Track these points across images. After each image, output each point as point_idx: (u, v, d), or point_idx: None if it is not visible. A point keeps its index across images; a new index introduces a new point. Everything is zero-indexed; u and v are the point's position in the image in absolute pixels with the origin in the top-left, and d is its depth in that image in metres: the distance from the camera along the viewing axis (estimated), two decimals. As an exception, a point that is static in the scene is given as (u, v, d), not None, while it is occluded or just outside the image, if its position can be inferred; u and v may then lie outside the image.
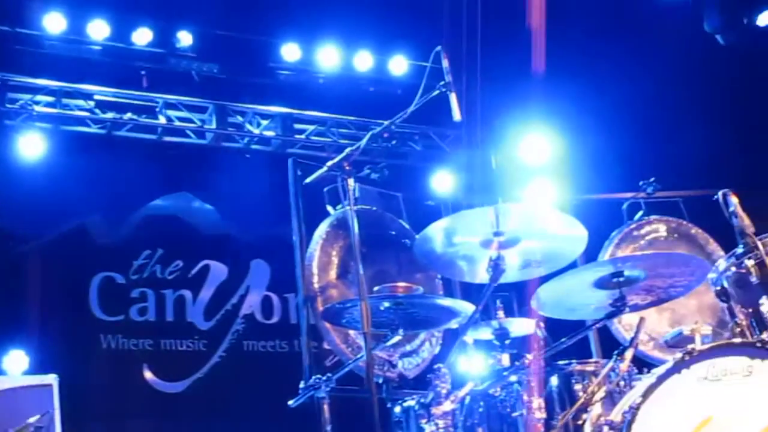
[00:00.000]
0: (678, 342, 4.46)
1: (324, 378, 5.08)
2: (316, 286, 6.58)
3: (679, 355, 4.09)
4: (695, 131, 7.67)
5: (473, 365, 5.70)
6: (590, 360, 4.73)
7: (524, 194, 8.19)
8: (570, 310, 4.73)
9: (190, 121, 8.82)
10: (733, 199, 4.53)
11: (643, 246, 6.35)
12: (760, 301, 4.41)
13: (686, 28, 8.52)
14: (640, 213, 6.58)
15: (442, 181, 9.21)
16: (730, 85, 7.95)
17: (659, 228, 6.47)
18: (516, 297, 6.37)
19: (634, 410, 3.97)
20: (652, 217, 6.48)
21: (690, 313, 6.17)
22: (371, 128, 5.17)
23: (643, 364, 4.68)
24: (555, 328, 4.94)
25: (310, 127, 9.28)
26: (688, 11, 8.52)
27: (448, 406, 4.43)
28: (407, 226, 7.20)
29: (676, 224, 6.47)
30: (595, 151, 7.66)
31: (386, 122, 5.07)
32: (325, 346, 7.21)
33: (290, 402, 5.26)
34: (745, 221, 4.47)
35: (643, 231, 6.43)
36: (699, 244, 6.41)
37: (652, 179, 6.62)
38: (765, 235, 4.54)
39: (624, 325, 6.35)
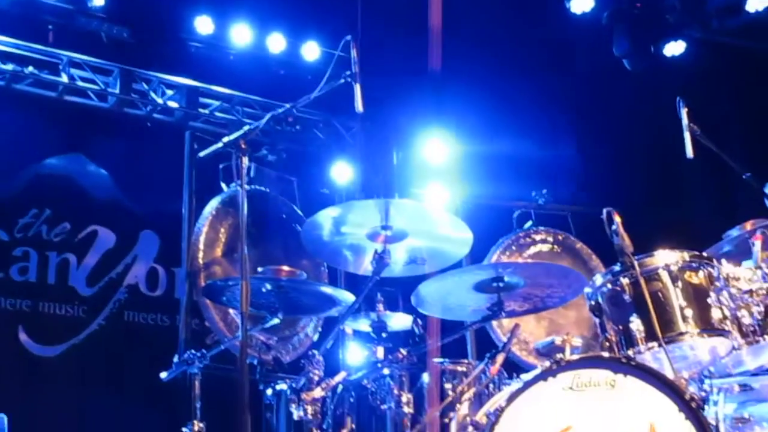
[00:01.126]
0: (549, 351, 4.55)
1: (198, 354, 5.05)
2: (200, 261, 6.53)
3: (547, 363, 4.19)
4: (591, 149, 7.85)
5: (350, 355, 5.74)
6: (463, 360, 4.80)
7: (420, 193, 8.26)
8: (448, 310, 4.80)
9: (94, 82, 8.63)
10: (617, 218, 4.65)
11: (528, 255, 6.47)
12: (631, 319, 4.55)
13: (594, 47, 8.70)
14: (530, 223, 6.71)
15: (342, 172, 9.21)
16: (630, 110, 8.15)
17: (546, 239, 6.60)
18: (401, 293, 6.42)
19: (498, 413, 4.05)
20: (541, 228, 6.61)
21: (568, 324, 6.32)
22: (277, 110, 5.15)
23: (518, 369, 4.78)
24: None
25: (215, 103, 9.17)
26: (599, 31, 8.70)
27: (318, 392, 4.44)
28: (299, 212, 7.20)
29: (563, 237, 6.61)
30: (492, 159, 7.76)
31: (288, 105, 5.06)
32: (207, 323, 7.17)
33: (162, 375, 5.22)
34: (625, 240, 4.60)
35: (529, 240, 6.56)
36: (582, 259, 6.57)
37: (544, 191, 6.76)
38: (642, 256, 4.69)
39: (503, 330, 6.47)
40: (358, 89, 4.80)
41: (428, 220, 4.68)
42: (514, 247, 6.50)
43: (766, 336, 4.72)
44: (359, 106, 4.81)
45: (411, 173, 8.77)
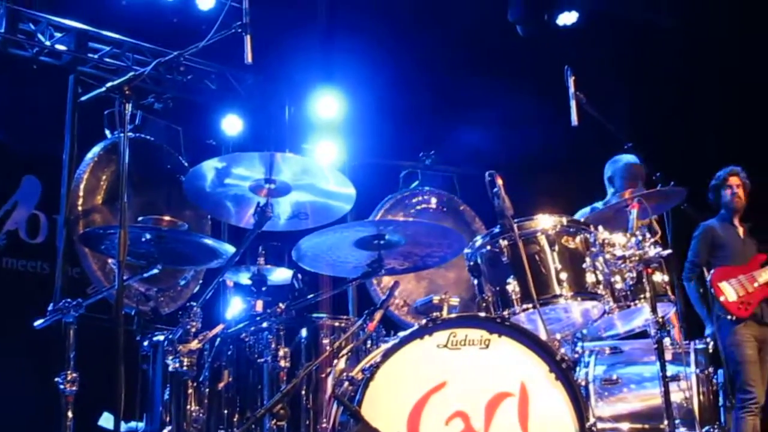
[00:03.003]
0: (427, 309, 4.59)
1: (74, 303, 4.95)
2: (80, 208, 6.38)
3: (423, 321, 4.23)
4: (479, 112, 7.92)
5: (230, 308, 5.72)
6: (342, 316, 4.83)
7: (311, 149, 8.23)
8: (330, 266, 4.81)
9: (-23, 20, 8.33)
10: (499, 181, 4.70)
11: (413, 214, 6.50)
12: (508, 281, 4.62)
13: (489, 12, 8.75)
14: (416, 183, 6.74)
15: (232, 124, 9.08)
16: (518, 75, 8.23)
17: (431, 199, 6.64)
18: (289, 248, 6.40)
19: (373, 369, 4.08)
20: (426, 188, 6.64)
21: (447, 284, 6.38)
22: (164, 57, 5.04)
23: (397, 328, 4.82)
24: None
25: (105, 48, 8.93)
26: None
27: (194, 344, 4.40)
28: (185, 163, 7.09)
29: (448, 198, 6.65)
30: (382, 118, 7.77)
31: (175, 53, 4.96)
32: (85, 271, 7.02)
33: (36, 323, 5.10)
34: (505, 203, 4.66)
35: (415, 200, 6.58)
36: (466, 221, 6.63)
37: (432, 152, 6.79)
38: (522, 219, 4.76)
39: (382, 288, 6.50)
40: (248, 40, 4.73)
41: (313, 175, 4.65)
42: (399, 206, 6.51)
43: (637, 301, 4.86)
44: (249, 57, 4.74)
45: (302, 129, 8.72)
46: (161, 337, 4.83)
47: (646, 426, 4.87)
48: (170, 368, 4.41)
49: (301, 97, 8.89)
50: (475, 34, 8.26)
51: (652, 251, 4.77)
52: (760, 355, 6.79)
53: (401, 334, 4.27)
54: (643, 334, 5.36)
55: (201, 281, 6.93)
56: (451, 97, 8.00)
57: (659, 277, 4.99)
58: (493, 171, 4.72)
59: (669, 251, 4.91)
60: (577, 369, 5.09)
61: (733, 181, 7.13)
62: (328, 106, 8.61)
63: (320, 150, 8.32)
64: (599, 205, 5.97)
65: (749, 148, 8.32)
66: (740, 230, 7.13)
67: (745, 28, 8.53)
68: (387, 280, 6.17)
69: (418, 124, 7.68)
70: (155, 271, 4.82)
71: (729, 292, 6.80)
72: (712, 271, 6.87)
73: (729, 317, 6.75)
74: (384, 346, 4.23)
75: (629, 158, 6.04)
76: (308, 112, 8.79)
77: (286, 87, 9.00)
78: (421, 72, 7.95)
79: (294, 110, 8.89)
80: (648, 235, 4.86)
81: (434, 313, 4.30)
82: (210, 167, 4.51)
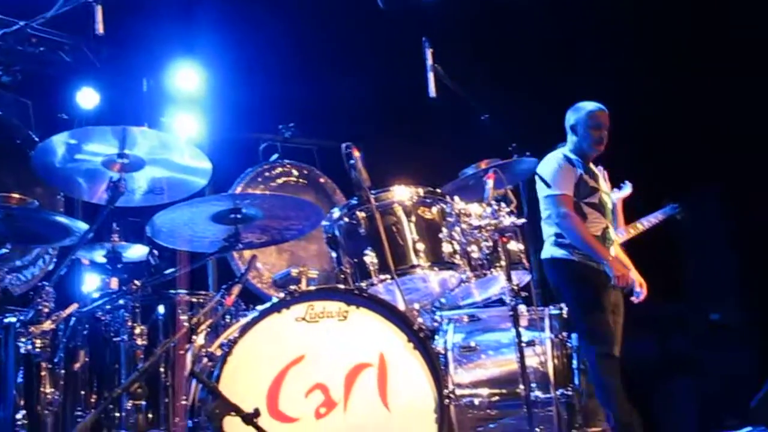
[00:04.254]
0: (286, 282, 4.57)
1: None
2: None
3: (281, 294, 4.22)
4: (337, 84, 7.90)
5: (85, 286, 5.58)
6: (200, 292, 4.77)
7: (169, 122, 8.06)
8: (186, 241, 4.70)
9: None
10: (355, 153, 4.72)
11: (273, 188, 6.46)
12: (365, 252, 4.64)
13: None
14: (276, 156, 6.69)
15: (88, 97, 8.82)
16: (378, 47, 8.23)
17: (291, 172, 6.61)
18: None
19: (230, 344, 4.06)
20: (286, 161, 6.60)
21: (309, 256, 6.38)
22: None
23: (259, 301, 4.78)
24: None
25: (-53, 19, 8.56)
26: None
27: (47, 325, 4.28)
28: (36, 138, 6.86)
29: (308, 171, 6.63)
30: (240, 90, 7.66)
31: (22, 23, 4.80)
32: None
33: None
34: (362, 175, 4.68)
35: (275, 173, 6.54)
36: (326, 193, 6.62)
37: (291, 124, 6.75)
38: (379, 190, 4.78)
39: (243, 262, 6.45)
40: (99, 11, 4.61)
41: (167, 149, 4.55)
42: (259, 179, 6.45)
43: (493, 270, 4.96)
44: (99, 28, 4.63)
45: (161, 102, 8.52)
46: (13, 319, 4.66)
47: (504, 391, 4.98)
48: (22, 350, 4.28)
49: (160, 70, 8.69)
50: (335, 7, 8.21)
51: (507, 220, 4.87)
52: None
53: (258, 308, 4.24)
54: (501, 301, 5.46)
55: (55, 260, 6.73)
56: (311, 69, 7.95)
57: (514, 246, 5.10)
58: (350, 143, 4.73)
59: (523, 220, 5.02)
60: (436, 338, 5.16)
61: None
62: (187, 78, 8.44)
63: (180, 123, 8.15)
64: (566, 150, 6.05)
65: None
66: None
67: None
68: (248, 254, 6.12)
69: (278, 97, 7.62)
70: (4, 250, 4.65)
71: None
72: None
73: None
74: (241, 321, 4.20)
75: (592, 105, 6.10)
76: (167, 85, 8.60)
77: (144, 59, 8.78)
78: (281, 45, 7.87)
79: (152, 83, 8.68)
80: (503, 205, 4.95)
81: (292, 286, 4.29)
82: (60, 142, 4.36)
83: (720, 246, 9.73)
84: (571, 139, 6.10)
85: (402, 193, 4.78)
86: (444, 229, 4.79)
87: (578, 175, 5.94)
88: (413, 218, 4.74)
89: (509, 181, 5.27)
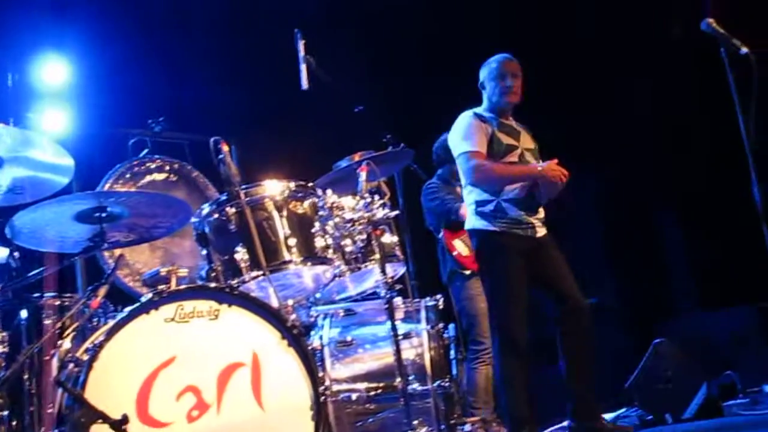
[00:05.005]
0: (155, 281, 4.44)
1: None
2: None
3: (149, 295, 4.11)
4: (209, 77, 7.77)
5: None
6: (66, 294, 4.60)
7: (36, 118, 7.78)
8: (50, 242, 4.53)
9: None
10: (224, 148, 4.62)
11: (143, 184, 6.26)
12: (236, 249, 4.55)
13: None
14: (146, 151, 6.51)
15: (-53, 94, 8.48)
16: (250, 40, 8.13)
17: (162, 168, 6.42)
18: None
19: (96, 348, 3.92)
20: (156, 156, 6.43)
21: (183, 254, 6.21)
22: None
23: (132, 300, 4.62)
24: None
25: None
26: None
27: None
28: None
29: (179, 166, 6.46)
30: (109, 85, 7.44)
31: None
32: None
33: None
34: (232, 170, 4.59)
35: (145, 169, 6.35)
36: (199, 189, 6.45)
37: (161, 118, 6.57)
38: (249, 186, 4.69)
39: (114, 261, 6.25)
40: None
41: (29, 146, 4.40)
42: (128, 176, 6.24)
43: (367, 263, 4.92)
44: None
45: (27, 97, 8.23)
46: None
47: (381, 384, 4.94)
48: None
49: (25, 64, 8.39)
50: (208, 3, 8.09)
51: (381, 213, 4.83)
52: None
53: (126, 309, 4.11)
54: (377, 295, 5.42)
55: None
56: (182, 62, 7.79)
57: (388, 239, 5.06)
58: (219, 137, 4.63)
59: (396, 212, 5.00)
60: (312, 333, 5.09)
61: None
62: (55, 72, 8.17)
63: (47, 119, 7.89)
64: (478, 109, 5.68)
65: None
66: (458, 189, 7.32)
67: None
68: (119, 252, 5.94)
69: (149, 91, 7.42)
70: None
71: (461, 247, 6.99)
72: (442, 230, 7.04)
73: (463, 271, 6.94)
74: (108, 324, 4.06)
75: (497, 56, 5.71)
76: (34, 80, 8.31)
77: (9, 53, 8.47)
78: (152, 38, 7.69)
79: (18, 77, 8.37)
80: (377, 197, 4.91)
81: (160, 286, 4.18)
82: None
83: (594, 230, 9.95)
84: (484, 96, 5.74)
85: (273, 188, 4.70)
86: (316, 224, 4.72)
87: (490, 132, 5.55)
88: (285, 213, 4.66)
89: (383, 173, 5.25)
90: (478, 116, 5.60)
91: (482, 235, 5.52)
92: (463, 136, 5.56)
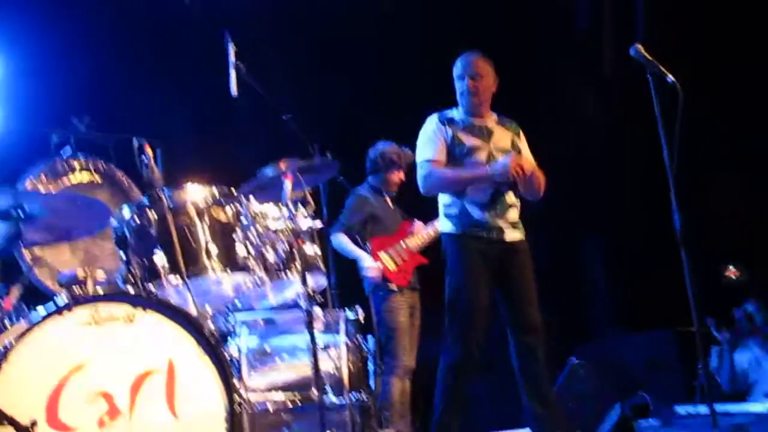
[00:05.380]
0: (72, 283, 4.36)
1: None
2: None
3: (63, 297, 4.03)
4: (137, 77, 7.68)
5: None
6: (-24, 296, 4.49)
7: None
8: (-37, 240, 4.44)
9: None
10: (148, 150, 4.56)
11: (65, 183, 6.15)
12: (155, 252, 4.49)
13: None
14: (69, 150, 6.39)
15: None
16: (183, 42, 8.06)
17: (86, 167, 6.32)
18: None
19: (5, 351, 3.83)
20: (80, 155, 6.32)
21: (104, 256, 6.11)
22: None
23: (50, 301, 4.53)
24: None
25: None
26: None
27: None
28: None
29: (103, 166, 6.36)
30: (34, 81, 7.29)
31: None
32: None
33: None
34: (154, 173, 4.54)
35: (67, 168, 6.24)
36: (123, 190, 6.36)
37: (86, 117, 6.47)
38: (172, 189, 4.64)
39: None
40: None
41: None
42: (49, 175, 6.14)
43: (288, 272, 4.88)
44: None
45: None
46: None
47: (298, 395, 4.92)
48: None
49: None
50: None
51: (304, 223, 4.81)
52: (411, 320, 7.08)
53: (39, 311, 4.02)
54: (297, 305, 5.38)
55: None
56: (111, 61, 7.67)
57: (311, 249, 5.04)
58: (143, 139, 4.57)
59: (319, 223, 4.98)
60: (230, 341, 5.04)
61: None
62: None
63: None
64: (453, 110, 5.68)
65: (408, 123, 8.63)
66: (388, 199, 7.33)
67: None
68: (38, 251, 5.84)
69: (75, 89, 7.29)
70: None
71: (388, 262, 6.99)
72: (368, 243, 7.03)
73: (390, 285, 6.94)
74: (19, 327, 3.97)
75: (464, 56, 5.68)
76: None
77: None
78: (82, 36, 7.56)
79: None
80: (301, 207, 4.89)
81: (74, 289, 4.10)
82: None
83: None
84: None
85: (195, 193, 4.65)
86: (238, 231, 4.68)
87: (450, 134, 5.53)
88: (206, 219, 4.61)
89: (308, 183, 5.22)
90: (441, 119, 5.60)
91: (446, 238, 5.54)
92: (421, 143, 5.60)
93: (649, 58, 5.09)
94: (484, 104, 5.67)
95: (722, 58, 8.84)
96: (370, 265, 6.84)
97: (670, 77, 5.03)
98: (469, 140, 5.53)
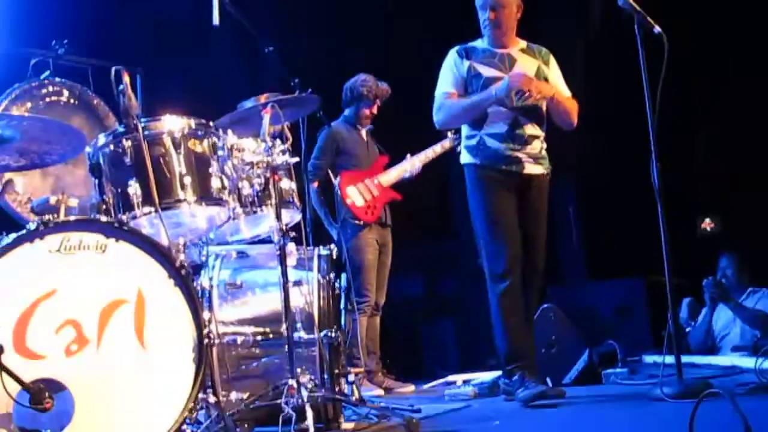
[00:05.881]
0: (43, 210, 4.34)
1: None
2: None
3: (33, 224, 3.99)
4: (117, 5, 7.58)
5: None
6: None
7: None
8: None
9: None
10: (125, 78, 4.49)
11: (41, 106, 6.05)
12: (129, 183, 4.44)
13: None
14: (47, 73, 6.31)
15: None
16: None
17: (62, 92, 6.22)
18: None
19: (-25, 277, 3.80)
20: (57, 79, 6.24)
21: (76, 183, 6.04)
22: None
23: (18, 227, 4.49)
24: None
25: None
26: None
27: None
28: None
29: (80, 91, 6.27)
30: (12, 2, 7.17)
31: None
32: None
33: None
34: (131, 101, 4.45)
35: (44, 91, 6.12)
36: (98, 116, 6.28)
37: (65, 41, 6.37)
38: (148, 119, 4.58)
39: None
40: None
41: None
42: (26, 97, 6.05)
43: (263, 207, 4.86)
44: None
45: None
46: None
47: (268, 330, 4.91)
48: None
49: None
50: None
51: (281, 158, 4.78)
52: (381, 257, 7.08)
53: (8, 237, 3.98)
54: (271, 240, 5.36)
55: None
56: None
57: (287, 185, 5.02)
58: (121, 67, 4.49)
59: (296, 159, 4.95)
60: (202, 273, 5.03)
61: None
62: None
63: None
64: (477, 44, 5.64)
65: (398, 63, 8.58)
66: (363, 133, 7.30)
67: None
68: (8, 176, 5.78)
69: (55, 11, 7.17)
70: None
71: (356, 196, 6.97)
72: (338, 176, 7.00)
73: (356, 221, 6.95)
74: (-11, 252, 3.93)
75: None
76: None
77: None
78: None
79: None
80: (278, 142, 4.86)
81: (47, 216, 4.06)
82: None
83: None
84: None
85: (172, 124, 4.59)
86: (214, 164, 4.64)
87: (466, 66, 5.51)
88: (182, 150, 4.55)
89: (288, 117, 5.19)
90: (460, 51, 5.57)
91: (467, 169, 5.55)
92: (439, 77, 5.59)
93: (637, 8, 5.06)
94: (508, 33, 5.60)
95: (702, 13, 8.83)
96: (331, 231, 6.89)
97: (657, 28, 5.02)
98: (487, 71, 5.49)
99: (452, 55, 5.59)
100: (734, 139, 9.37)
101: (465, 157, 5.61)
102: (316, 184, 7.03)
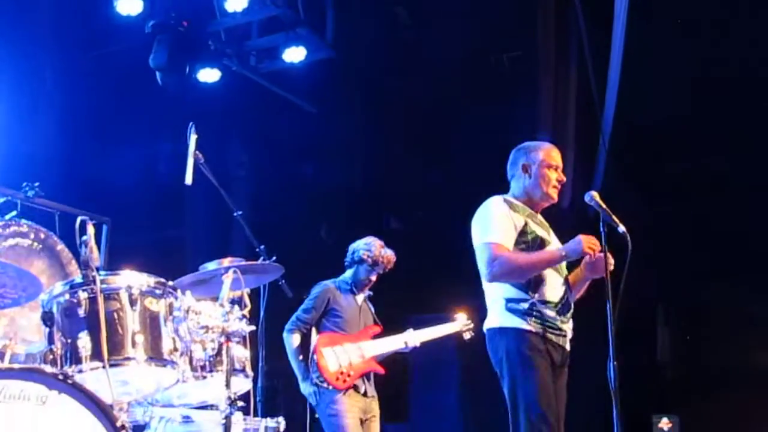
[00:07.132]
0: (-13, 354, 4.24)
1: None
2: None
3: (-26, 369, 3.89)
4: (99, 153, 7.67)
5: None
6: None
7: None
8: None
9: None
10: (89, 229, 4.47)
11: (3, 247, 6.04)
12: (80, 335, 4.36)
13: (134, 53, 8.57)
14: (14, 213, 6.29)
15: None
16: (153, 122, 8.08)
17: (28, 234, 6.19)
18: None
19: None
20: (23, 221, 6.22)
21: (30, 326, 5.90)
22: None
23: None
24: None
25: None
26: (142, 38, 8.59)
27: None
28: None
29: (45, 236, 6.24)
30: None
31: None
32: None
33: None
34: (93, 253, 4.42)
35: (8, 231, 6.11)
36: (61, 263, 6.22)
37: (36, 184, 6.39)
38: (108, 273, 4.55)
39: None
40: None
41: None
42: (-13, 236, 6.02)
43: (214, 373, 4.78)
44: None
45: None
46: None
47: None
48: None
49: None
50: (112, 74, 8.02)
51: (236, 325, 4.73)
52: (367, 423, 6.67)
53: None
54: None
55: None
56: (71, 131, 7.67)
57: (240, 352, 4.96)
58: (86, 218, 4.48)
59: (252, 327, 4.90)
60: (144, 434, 4.89)
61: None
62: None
63: None
64: (508, 195, 5.33)
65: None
66: (359, 298, 6.99)
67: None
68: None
69: (30, 154, 7.24)
70: None
71: (330, 360, 6.59)
72: (318, 335, 6.74)
73: (326, 386, 6.59)
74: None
75: (547, 144, 5.40)
76: None
77: None
78: (46, 101, 7.56)
79: None
80: (237, 308, 4.81)
81: (-10, 361, 3.97)
82: None
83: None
84: (517, 183, 5.32)
85: (131, 279, 4.54)
86: (169, 324, 4.58)
87: (522, 222, 5.13)
88: (138, 308, 4.49)
89: (249, 284, 5.16)
90: (508, 203, 5.20)
91: (515, 334, 4.98)
92: (485, 224, 5.11)
93: (603, 206, 5.05)
94: None
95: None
96: (304, 389, 6.64)
97: (621, 227, 5.00)
98: (539, 230, 5.18)
99: (501, 204, 5.18)
100: (694, 338, 9.41)
101: (509, 321, 5.05)
102: (296, 337, 6.73)
